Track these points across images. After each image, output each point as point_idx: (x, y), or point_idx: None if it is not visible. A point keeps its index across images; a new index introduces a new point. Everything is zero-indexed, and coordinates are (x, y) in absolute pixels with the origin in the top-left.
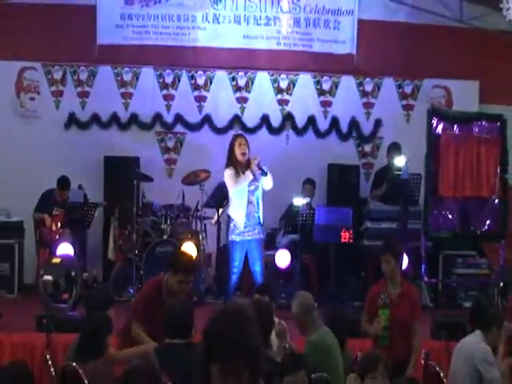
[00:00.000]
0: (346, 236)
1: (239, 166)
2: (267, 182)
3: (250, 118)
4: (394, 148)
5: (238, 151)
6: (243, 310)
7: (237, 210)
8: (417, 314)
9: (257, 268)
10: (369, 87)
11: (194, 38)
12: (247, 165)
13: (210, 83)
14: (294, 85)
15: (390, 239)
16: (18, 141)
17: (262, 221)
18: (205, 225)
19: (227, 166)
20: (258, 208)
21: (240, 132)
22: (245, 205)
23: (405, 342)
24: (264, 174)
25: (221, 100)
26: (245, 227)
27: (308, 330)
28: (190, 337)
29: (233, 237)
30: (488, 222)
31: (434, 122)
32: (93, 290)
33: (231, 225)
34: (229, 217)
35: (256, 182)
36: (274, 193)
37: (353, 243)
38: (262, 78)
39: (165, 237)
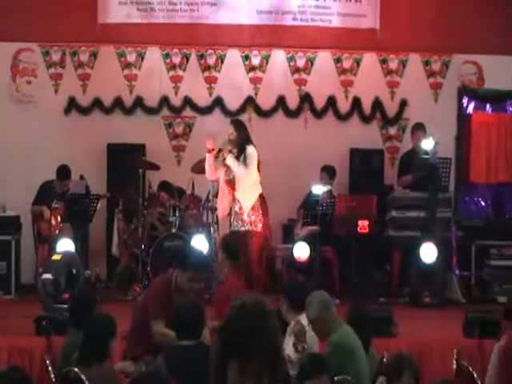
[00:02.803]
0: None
1: None
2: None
3: (265, 100)
4: (418, 129)
5: None
6: (263, 304)
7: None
8: None
9: None
10: (393, 65)
11: (204, 14)
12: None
13: (221, 63)
14: (312, 63)
15: None
16: (13, 128)
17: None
18: (216, 216)
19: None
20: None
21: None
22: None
23: None
24: None
25: (233, 81)
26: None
27: (328, 331)
28: (200, 338)
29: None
30: None
31: (465, 101)
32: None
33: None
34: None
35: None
36: (291, 181)
37: (376, 234)
38: (278, 57)
39: (173, 230)
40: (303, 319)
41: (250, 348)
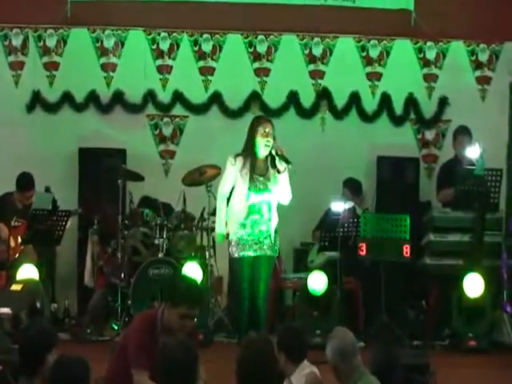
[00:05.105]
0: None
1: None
2: (283, 192)
3: (273, 97)
4: (462, 133)
5: (261, 141)
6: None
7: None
8: None
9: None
10: (431, 54)
11: None
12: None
13: (220, 50)
14: (331, 51)
15: None
16: None
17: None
18: (213, 239)
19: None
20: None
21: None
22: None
23: None
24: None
25: (234, 72)
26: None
27: (347, 377)
28: None
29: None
30: None
31: None
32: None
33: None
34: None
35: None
36: (305, 195)
37: (410, 262)
38: (289, 43)
39: (160, 255)
40: (308, 367)
41: None
